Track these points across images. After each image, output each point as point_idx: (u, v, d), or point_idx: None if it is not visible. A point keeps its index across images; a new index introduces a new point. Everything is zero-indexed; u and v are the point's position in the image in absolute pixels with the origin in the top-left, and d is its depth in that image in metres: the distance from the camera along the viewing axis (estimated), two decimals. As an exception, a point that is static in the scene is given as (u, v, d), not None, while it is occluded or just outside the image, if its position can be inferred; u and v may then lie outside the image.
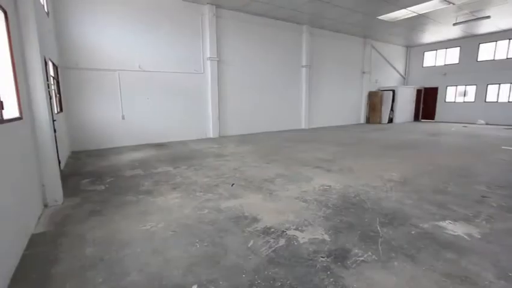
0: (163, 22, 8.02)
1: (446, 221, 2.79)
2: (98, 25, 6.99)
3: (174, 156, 6.15)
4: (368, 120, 14.78)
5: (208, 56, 8.85)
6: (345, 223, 2.74)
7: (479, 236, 2.48)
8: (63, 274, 1.99)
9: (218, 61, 9.11)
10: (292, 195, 3.59)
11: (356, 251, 2.23)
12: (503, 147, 7.07)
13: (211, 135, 9.30)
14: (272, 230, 2.60)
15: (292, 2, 8.62)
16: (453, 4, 8.72)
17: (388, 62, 15.49)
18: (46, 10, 5.32)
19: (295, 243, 2.34)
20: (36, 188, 3.07)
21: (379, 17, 10.16)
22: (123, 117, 7.62)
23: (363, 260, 2.10)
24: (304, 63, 11.48)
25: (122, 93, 7.55)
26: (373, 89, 14.76)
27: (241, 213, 3.01)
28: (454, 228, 2.63)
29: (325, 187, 3.89)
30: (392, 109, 14.73)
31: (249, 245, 2.32)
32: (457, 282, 1.85)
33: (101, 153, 6.67)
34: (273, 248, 2.27)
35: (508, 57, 12.95)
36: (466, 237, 2.47)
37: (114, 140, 7.54)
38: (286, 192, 3.71)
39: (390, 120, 14.80)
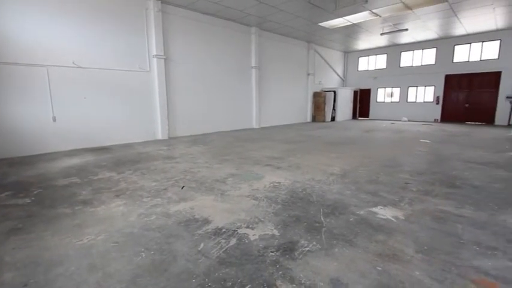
0: (103, 15, 7.32)
1: (378, 207, 3.16)
2: (18, 13, 6.04)
3: (117, 161, 5.68)
4: (314, 119, 15.79)
5: (155, 53, 8.39)
6: (292, 217, 2.90)
7: (403, 218, 2.88)
8: (-23, 306, 1.69)
9: (165, 59, 8.70)
10: (244, 193, 3.65)
11: (302, 242, 2.39)
12: (421, 140, 8.29)
13: (160, 136, 8.84)
14: (223, 230, 2.61)
15: (239, 4, 8.71)
16: (380, 16, 9.87)
17: (330, 65, 16.78)
18: None
19: (246, 241, 2.40)
20: None
21: (320, 24, 10.93)
22: (54, 119, 6.73)
23: (308, 250, 2.26)
24: (253, 64, 11.71)
25: (52, 91, 6.66)
26: (317, 90, 15.83)
27: (191, 216, 2.95)
28: (384, 213, 3.00)
29: (275, 184, 4.05)
30: (334, 108, 16.01)
31: (199, 248, 2.29)
32: (386, 260, 2.13)
33: (27, 160, 5.79)
34: (224, 249, 2.28)
35: (423, 64, 15.22)
36: (393, 219, 2.84)
37: (43, 145, 6.61)
38: (237, 191, 3.76)
39: (333, 119, 16.06)
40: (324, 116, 15.57)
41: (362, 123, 14.82)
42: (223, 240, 2.41)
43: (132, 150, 6.90)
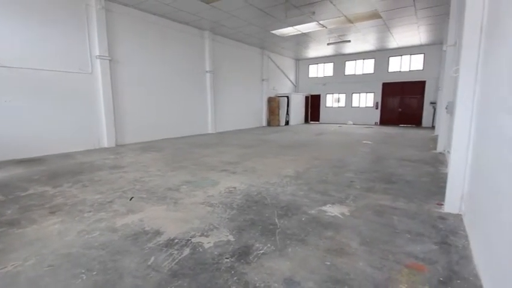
0: (36, 8, 6.51)
1: (327, 205, 3.37)
2: None
3: (53, 173, 5.06)
4: (269, 123, 16.22)
5: (98, 54, 7.74)
6: (248, 221, 2.92)
7: (348, 214, 3.11)
8: None
9: (110, 60, 8.08)
10: (198, 201, 3.56)
11: (257, 245, 2.42)
12: (363, 141, 9.12)
13: (105, 144, 8.14)
14: (176, 240, 2.50)
15: (192, 7, 8.57)
16: (326, 28, 10.65)
17: (283, 71, 17.47)
18: None
19: (201, 250, 2.34)
20: None
21: (272, 31, 11.34)
22: (-33, 128, 5.73)
23: (263, 253, 2.29)
24: (208, 69, 11.58)
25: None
26: (272, 95, 16.32)
27: (141, 228, 2.77)
28: (332, 210, 3.21)
29: (231, 189, 4.04)
30: (288, 113, 16.67)
31: (149, 263, 2.16)
32: (334, 255, 2.27)
33: None
34: (177, 260, 2.19)
35: (363, 73, 16.83)
36: (340, 216, 3.05)
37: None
38: (192, 198, 3.65)
39: (287, 123, 16.70)
40: (279, 120, 16.10)
41: (313, 126, 15.70)
42: (175, 252, 2.31)
43: (72, 161, 6.23)
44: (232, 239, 2.53)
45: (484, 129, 2.50)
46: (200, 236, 2.59)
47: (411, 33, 11.89)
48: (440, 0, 7.97)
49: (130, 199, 3.66)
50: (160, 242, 2.48)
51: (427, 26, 10.89)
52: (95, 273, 2.04)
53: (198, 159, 6.32)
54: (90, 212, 3.24)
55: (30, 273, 2.04)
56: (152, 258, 2.21)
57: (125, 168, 5.47)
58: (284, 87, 17.90)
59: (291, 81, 18.64)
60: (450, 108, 5.59)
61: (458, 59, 3.43)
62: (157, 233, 2.67)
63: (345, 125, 16.29)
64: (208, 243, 2.46)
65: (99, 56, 7.75)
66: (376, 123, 16.61)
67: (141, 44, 9.04)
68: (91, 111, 7.84)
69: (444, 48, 7.54)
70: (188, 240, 2.51)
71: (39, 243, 2.49)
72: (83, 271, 2.06)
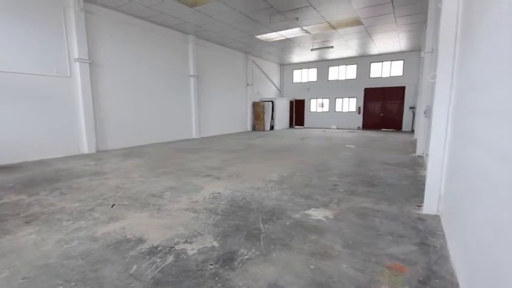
0: (8, 10, 6.23)
1: (311, 209, 3.41)
2: None
3: (29, 180, 4.82)
4: (254, 128, 16.26)
5: (77, 56, 7.50)
6: (232, 226, 2.91)
7: (332, 217, 3.16)
8: None
9: (90, 63, 7.85)
10: (182, 207, 3.51)
11: (242, 250, 2.41)
12: (346, 145, 9.33)
13: (85, 150, 7.85)
14: (159, 248, 2.45)
15: (175, 10, 8.51)
16: (309, 33, 10.89)
17: (267, 76, 17.63)
18: None
19: (184, 257, 2.30)
20: None
21: (257, 36, 11.45)
22: None
23: (248, 258, 2.29)
24: (192, 73, 11.50)
25: None
26: (257, 100, 16.40)
27: (122, 236, 2.69)
28: (317, 214, 3.25)
29: (215, 194, 4.01)
30: (273, 118, 16.79)
31: (131, 272, 2.09)
32: (318, 258, 2.30)
33: None
34: (160, 268, 2.14)
35: (346, 78, 17.29)
36: (324, 219, 3.10)
37: None
38: (175, 205, 3.59)
39: (272, 128, 16.81)
40: (264, 125, 16.18)
41: (298, 131, 15.90)
42: (158, 259, 2.26)
43: (50, 168, 5.97)
44: (217, 245, 2.50)
45: (458, 133, 2.64)
46: (184, 242, 2.55)
47: (391, 40, 12.37)
48: (418, 9, 8.35)
49: (112, 206, 3.55)
50: (143, 250, 2.42)
51: (406, 33, 11.36)
52: (73, 284, 1.96)
53: (182, 164, 6.24)
54: (68, 220, 3.11)
55: (3, 287, 1.93)
56: (134, 267, 2.15)
57: (106, 174, 5.30)
58: (269, 92, 18.06)
59: (275, 86, 18.83)
60: (428, 113, 5.84)
61: (435, 66, 3.60)
62: (140, 240, 2.60)
63: (328, 130, 16.60)
64: (192, 249, 2.42)
65: (78, 59, 7.51)
66: (358, 128, 17.05)
67: (123, 47, 8.86)
68: (70, 116, 7.56)
69: (422, 55, 7.89)
70: (172, 247, 2.46)
71: (13, 255, 2.36)
72: (61, 282, 1.98)
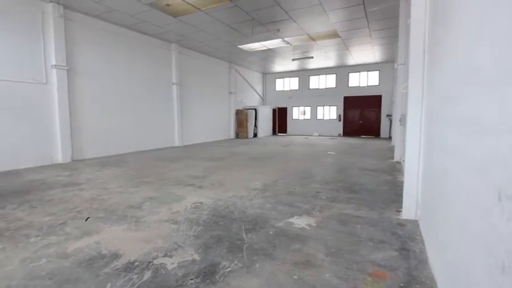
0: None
1: (295, 217, 3.41)
2: None
3: (-8, 194, 4.47)
4: (237, 136, 16.23)
5: (54, 63, 7.19)
6: (214, 237, 2.83)
7: (315, 225, 3.17)
8: None
9: (68, 70, 7.56)
10: (162, 218, 3.38)
11: (224, 263, 2.34)
12: (328, 152, 9.51)
13: (60, 160, 7.46)
14: (136, 263, 2.33)
15: (158, 19, 8.43)
16: (290, 44, 11.15)
17: (250, 85, 17.77)
18: None
19: (163, 272, 2.19)
20: None
21: (240, 46, 11.56)
22: None
23: (230, 271, 2.22)
24: (174, 81, 11.36)
25: None
26: (240, 108, 16.44)
27: (97, 252, 2.54)
28: (299, 222, 3.25)
29: (197, 204, 3.91)
30: (256, 125, 16.86)
31: (105, 290, 1.97)
32: (301, 267, 2.28)
33: None
34: (137, 285, 2.02)
35: (326, 87, 17.79)
36: (307, 227, 3.10)
37: None
38: (155, 216, 3.45)
39: (255, 135, 16.86)
40: (247, 132, 16.20)
41: (281, 138, 16.04)
42: (135, 276, 2.14)
43: (20, 179, 5.59)
44: (198, 258, 2.42)
45: (430, 140, 2.76)
46: (163, 256, 2.44)
47: (367, 52, 12.92)
48: (390, 23, 8.81)
49: (86, 220, 3.35)
50: (118, 266, 2.28)
51: (380, 46, 11.92)
52: (38, 308, 1.80)
53: (163, 173, 6.06)
54: (37, 236, 2.89)
55: (-44, 315, 1.74)
56: (108, 286, 2.02)
57: (81, 185, 5.04)
58: (252, 100, 18.18)
59: (258, 94, 19.01)
60: (403, 121, 6.10)
61: (407, 77, 3.78)
62: (116, 256, 2.46)
63: (311, 137, 16.89)
64: (171, 264, 2.32)
65: (55, 65, 7.21)
66: (339, 135, 17.49)
67: (104, 54, 8.62)
68: (44, 124, 7.19)
69: (395, 67, 8.29)
70: (150, 262, 2.35)
71: (-31, 278, 2.15)
72: (24, 307, 1.81)
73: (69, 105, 7.62)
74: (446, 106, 2.03)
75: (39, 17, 6.97)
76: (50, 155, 7.34)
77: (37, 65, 6.99)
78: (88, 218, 3.42)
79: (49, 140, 7.30)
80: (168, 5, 7.31)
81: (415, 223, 3.22)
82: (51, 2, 7.05)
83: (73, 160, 7.74)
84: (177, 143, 11.68)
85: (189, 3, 7.23)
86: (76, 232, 3.00)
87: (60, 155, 7.47)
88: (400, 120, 6.81)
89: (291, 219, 3.33)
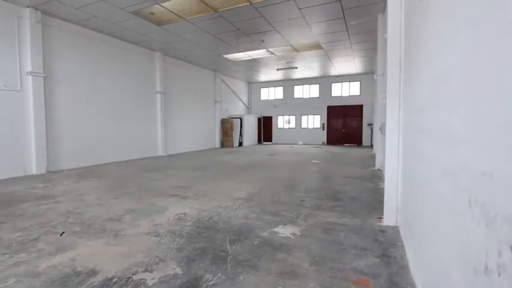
0: None
1: (279, 226, 3.39)
2: None
3: (-44, 209, 4.16)
4: (222, 145, 16.14)
5: (30, 69, 6.93)
6: (198, 249, 2.76)
7: (299, 233, 3.17)
8: None
9: (45, 77, 7.29)
10: (143, 231, 3.27)
11: (207, 276, 2.28)
12: (313, 161, 9.64)
13: (34, 171, 7.09)
14: (114, 280, 2.22)
15: (141, 27, 8.36)
16: (275, 55, 11.37)
17: (235, 94, 17.86)
18: None
19: (143, 288, 2.10)
20: None
21: (224, 56, 11.65)
22: None
23: (213, 284, 2.16)
24: (158, 89, 11.23)
25: None
26: (225, 117, 16.43)
27: (71, 269, 2.40)
28: (284, 231, 3.24)
29: (180, 215, 3.82)
30: (241, 134, 16.87)
31: (79, 309, 1.86)
32: (286, 278, 2.26)
33: None
34: (114, 302, 1.93)
35: (310, 96, 18.20)
36: (291, 236, 3.09)
37: None
38: (136, 229, 3.33)
39: (240, 144, 16.84)
40: (232, 141, 16.16)
41: (266, 147, 16.11)
42: (113, 293, 2.04)
43: (-13, 192, 5.24)
44: (180, 272, 2.34)
45: (407, 148, 2.87)
46: (143, 271, 2.35)
47: (348, 63, 13.40)
48: (369, 36, 9.21)
49: (61, 234, 3.18)
50: (95, 284, 2.17)
51: (360, 58, 12.40)
52: (4, 333, 1.67)
53: (146, 184, 5.90)
54: (5, 254, 2.70)
55: None
56: (83, 305, 1.91)
57: (57, 198, 4.80)
58: (237, 108, 18.24)
59: (243, 103, 19.11)
60: (383, 129, 6.31)
61: (386, 87, 3.94)
62: (92, 272, 2.34)
63: (295, 145, 17.08)
64: (152, 279, 2.23)
65: (31, 72, 6.94)
66: (323, 143, 17.81)
67: (84, 61, 8.41)
68: (17, 133, 6.85)
69: (375, 78, 8.65)
70: (129, 278, 2.25)
71: None
72: (-13, 332, 1.67)
73: (45, 113, 7.32)
74: (420, 115, 2.12)
75: (14, 22, 6.74)
76: (23, 166, 6.97)
77: (11, 72, 6.71)
78: (63, 232, 3.25)
79: (22, 150, 6.94)
80: (152, 13, 7.29)
81: (395, 229, 3.29)
82: (28, 7, 6.85)
83: (48, 171, 7.38)
84: (160, 152, 11.44)
85: (173, 13, 7.25)
86: (49, 248, 2.83)
87: (34, 166, 7.11)
88: (380, 129, 7.04)
89: (275, 229, 3.31)
